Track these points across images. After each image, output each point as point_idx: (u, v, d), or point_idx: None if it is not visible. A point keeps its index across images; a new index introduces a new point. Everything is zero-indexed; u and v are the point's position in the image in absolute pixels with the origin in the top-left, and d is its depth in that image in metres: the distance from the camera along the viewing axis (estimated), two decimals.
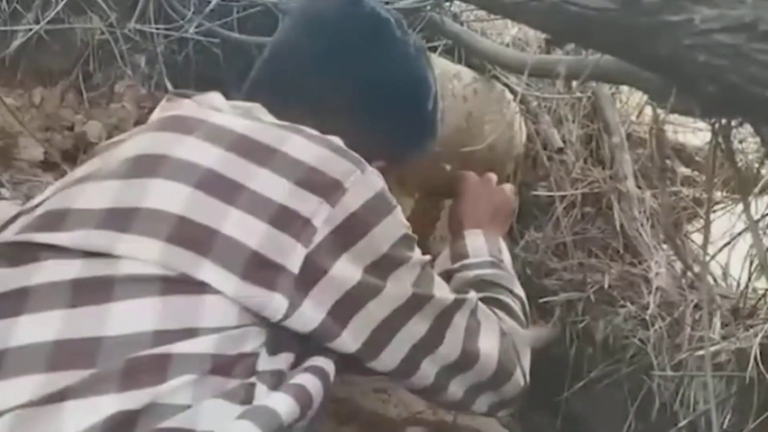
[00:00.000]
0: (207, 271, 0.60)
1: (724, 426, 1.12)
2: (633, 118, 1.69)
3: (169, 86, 1.31)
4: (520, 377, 0.83)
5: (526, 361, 0.85)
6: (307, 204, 0.64)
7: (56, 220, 0.64)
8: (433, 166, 1.08)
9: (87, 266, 0.61)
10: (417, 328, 0.72)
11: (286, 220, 0.63)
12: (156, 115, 0.78)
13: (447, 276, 0.89)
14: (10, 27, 1.21)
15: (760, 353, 1.08)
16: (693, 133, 1.80)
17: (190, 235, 0.61)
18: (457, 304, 0.76)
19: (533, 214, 1.47)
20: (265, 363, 0.62)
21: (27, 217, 0.66)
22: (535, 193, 1.46)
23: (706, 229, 1.17)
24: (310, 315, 0.64)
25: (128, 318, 0.59)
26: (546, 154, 1.46)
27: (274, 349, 0.63)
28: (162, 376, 0.57)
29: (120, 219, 0.62)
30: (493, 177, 1.07)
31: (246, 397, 0.59)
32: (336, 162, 0.67)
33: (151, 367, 0.57)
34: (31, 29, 1.19)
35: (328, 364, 0.67)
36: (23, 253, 0.63)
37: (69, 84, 1.27)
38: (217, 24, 1.34)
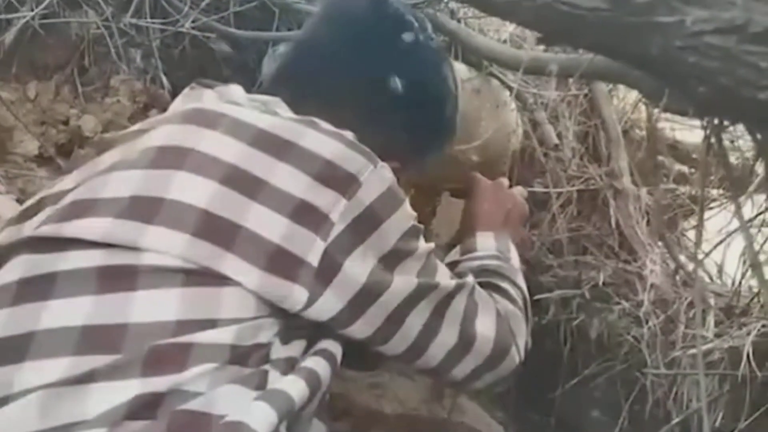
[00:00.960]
0: (230, 264, 0.62)
1: (716, 424, 1.12)
2: (630, 115, 1.69)
3: (165, 81, 1.31)
4: (515, 355, 0.86)
5: (522, 340, 0.88)
6: (325, 198, 0.66)
7: (83, 210, 0.65)
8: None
9: (111, 255, 0.62)
10: (423, 314, 0.75)
11: (305, 214, 0.65)
12: (179, 103, 0.80)
13: (452, 266, 0.91)
14: (5, 15, 1.20)
15: (753, 351, 1.08)
16: (690, 130, 1.80)
17: (215, 230, 0.63)
18: (457, 288, 0.79)
19: (529, 210, 1.47)
20: (278, 352, 0.64)
21: (53, 207, 0.68)
22: (530, 189, 1.45)
23: (699, 226, 1.17)
24: (328, 306, 0.67)
25: (152, 307, 0.61)
26: (542, 150, 1.45)
27: (286, 338, 0.65)
28: (183, 364, 0.59)
29: (144, 209, 0.64)
30: (505, 181, 1.10)
31: (260, 382, 0.62)
32: (351, 156, 0.69)
33: (173, 354, 0.59)
34: (25, 17, 1.19)
35: (335, 347, 0.69)
36: (51, 243, 0.64)
37: (64, 78, 1.26)
38: (214, 19, 1.33)
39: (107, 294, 0.61)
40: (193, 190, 0.64)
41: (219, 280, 0.62)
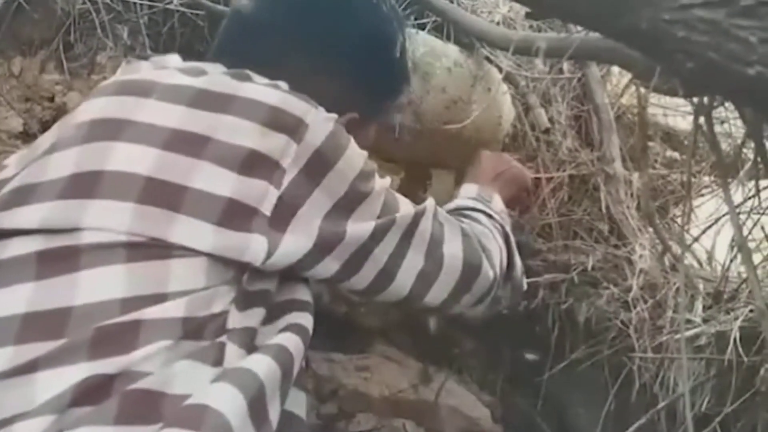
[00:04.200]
0: (181, 227, 0.60)
1: (703, 408, 1.12)
2: (623, 100, 1.68)
3: None
4: (489, 270, 0.86)
5: (496, 258, 0.88)
6: (274, 144, 0.65)
7: (23, 198, 0.63)
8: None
9: (51, 238, 0.60)
10: (389, 245, 0.75)
11: (255, 164, 0.64)
12: (114, 78, 0.77)
13: None
14: None
15: (740, 337, 1.08)
16: (683, 117, 1.79)
17: (161, 194, 0.61)
18: (419, 214, 0.79)
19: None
20: (235, 320, 0.62)
21: None
22: None
23: (686, 200, 1.17)
24: (292, 249, 0.66)
25: (95, 286, 0.59)
26: (533, 135, 1.44)
27: (244, 305, 0.64)
28: (133, 343, 0.57)
29: (84, 185, 0.62)
30: (506, 155, 1.18)
31: (217, 357, 0.60)
32: (293, 101, 0.68)
33: (120, 334, 0.57)
34: None
35: (306, 319, 0.69)
36: None
37: (49, 54, 1.24)
38: None
39: (48, 278, 0.59)
40: (134, 159, 0.63)
41: (166, 251, 0.60)
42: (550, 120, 1.46)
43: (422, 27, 1.27)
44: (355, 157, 0.72)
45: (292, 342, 0.65)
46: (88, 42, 1.26)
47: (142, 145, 0.63)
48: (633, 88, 1.49)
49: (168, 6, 1.28)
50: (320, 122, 0.69)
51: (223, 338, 0.61)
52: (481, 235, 0.88)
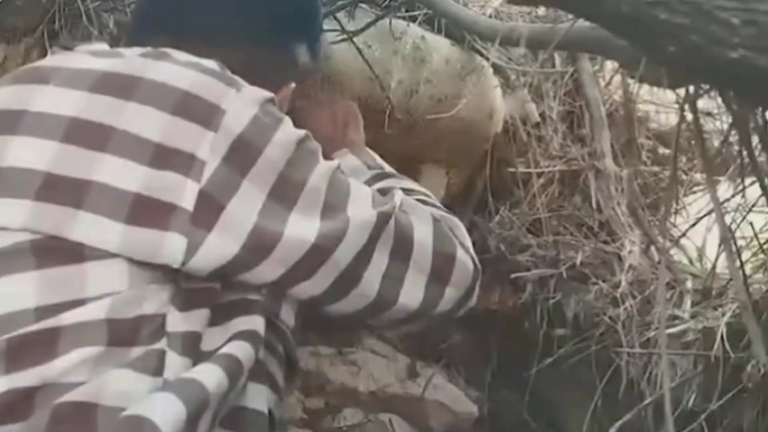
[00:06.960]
0: (84, 225, 0.56)
1: (690, 404, 1.12)
2: (616, 96, 1.68)
3: None
4: (466, 258, 0.76)
5: (469, 243, 0.78)
6: (186, 135, 0.59)
7: None
8: None
9: None
10: (349, 247, 0.66)
11: (167, 158, 0.58)
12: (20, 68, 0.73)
13: None
14: None
15: (728, 333, 1.07)
16: (675, 113, 1.79)
17: (61, 191, 0.57)
18: (383, 216, 0.69)
19: (509, 189, 1.46)
20: (176, 323, 0.58)
21: None
22: (511, 169, 1.44)
23: (669, 196, 1.16)
24: (219, 251, 0.59)
25: (5, 296, 0.55)
26: (525, 130, 1.44)
27: (185, 305, 0.59)
28: (52, 351, 0.54)
29: None
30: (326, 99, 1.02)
31: (156, 366, 0.56)
32: (208, 84, 0.62)
33: (38, 342, 0.54)
34: None
35: (257, 323, 0.63)
36: None
37: (33, 42, 1.23)
38: None
39: None
40: (33, 153, 0.58)
41: (76, 254, 0.56)
42: (542, 115, 1.45)
43: (413, 19, 1.26)
44: (286, 141, 0.64)
45: (243, 351, 0.60)
46: (74, 31, 1.24)
47: (40, 137, 0.59)
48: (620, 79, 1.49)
49: None
50: (241, 105, 0.62)
51: (162, 344, 0.56)
52: (446, 218, 0.78)
